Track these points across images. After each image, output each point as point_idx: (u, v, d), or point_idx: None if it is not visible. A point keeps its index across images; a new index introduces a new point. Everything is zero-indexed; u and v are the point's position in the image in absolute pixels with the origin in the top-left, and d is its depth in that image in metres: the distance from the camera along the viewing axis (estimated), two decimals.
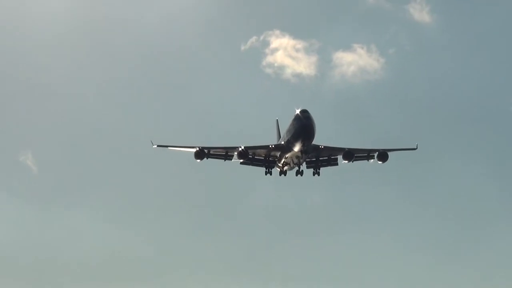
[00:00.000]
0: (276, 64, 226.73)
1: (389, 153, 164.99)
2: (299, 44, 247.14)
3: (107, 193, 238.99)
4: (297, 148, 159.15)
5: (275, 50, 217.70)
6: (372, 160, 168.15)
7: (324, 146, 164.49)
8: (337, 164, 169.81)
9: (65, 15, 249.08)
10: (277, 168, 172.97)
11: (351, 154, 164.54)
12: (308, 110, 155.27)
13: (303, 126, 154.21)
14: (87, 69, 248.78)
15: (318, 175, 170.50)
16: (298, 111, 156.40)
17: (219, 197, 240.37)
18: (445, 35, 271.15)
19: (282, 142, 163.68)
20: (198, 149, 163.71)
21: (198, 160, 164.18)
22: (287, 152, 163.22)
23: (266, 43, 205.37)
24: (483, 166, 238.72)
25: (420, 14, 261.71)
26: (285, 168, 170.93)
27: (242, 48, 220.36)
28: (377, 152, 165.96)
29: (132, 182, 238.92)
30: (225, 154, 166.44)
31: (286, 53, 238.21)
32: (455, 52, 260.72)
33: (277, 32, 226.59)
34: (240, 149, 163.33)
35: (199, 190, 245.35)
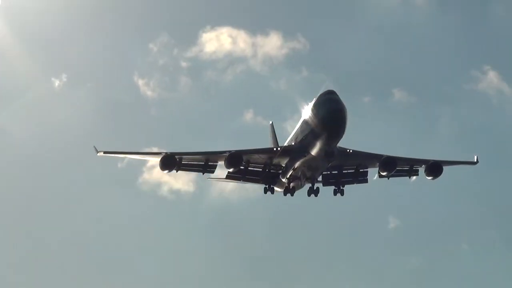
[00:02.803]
0: (152, 181, 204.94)
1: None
2: None
3: None
4: (316, 149, 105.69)
5: (152, 167, 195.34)
6: (415, 176, 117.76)
7: (352, 150, 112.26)
8: (366, 181, 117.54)
9: None
10: (279, 188, 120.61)
11: (392, 163, 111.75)
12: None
13: (331, 111, 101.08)
14: None
15: (342, 194, 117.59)
16: (315, 100, 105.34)
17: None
18: None
19: (293, 143, 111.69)
20: (166, 154, 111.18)
21: (166, 172, 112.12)
22: (300, 158, 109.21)
23: (143, 160, 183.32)
24: None
25: None
26: (293, 184, 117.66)
27: (119, 165, 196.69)
28: (424, 165, 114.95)
29: None
30: (205, 163, 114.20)
31: None
32: None
33: (155, 149, 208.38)
34: (228, 153, 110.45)
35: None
